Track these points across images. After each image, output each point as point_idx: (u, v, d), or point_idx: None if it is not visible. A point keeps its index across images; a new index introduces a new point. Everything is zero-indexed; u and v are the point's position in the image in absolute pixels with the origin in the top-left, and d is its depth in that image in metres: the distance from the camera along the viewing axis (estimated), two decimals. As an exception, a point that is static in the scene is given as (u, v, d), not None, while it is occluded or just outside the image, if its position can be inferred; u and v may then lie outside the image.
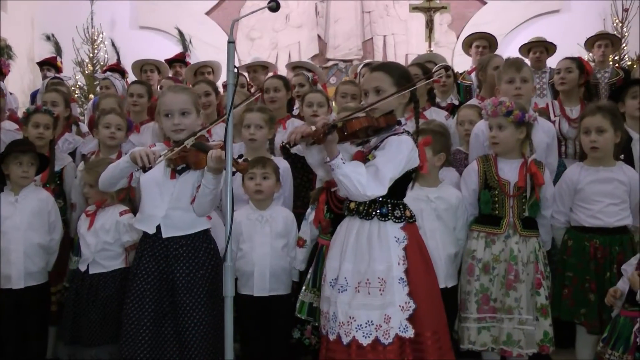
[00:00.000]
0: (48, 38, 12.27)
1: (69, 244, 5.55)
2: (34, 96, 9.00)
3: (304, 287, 4.79)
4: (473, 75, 7.78)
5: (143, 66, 8.96)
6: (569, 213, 5.08)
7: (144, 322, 4.11)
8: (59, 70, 9.72)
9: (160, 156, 4.03)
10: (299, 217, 5.16)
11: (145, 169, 4.00)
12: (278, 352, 4.94)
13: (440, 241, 4.88)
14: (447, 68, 7.34)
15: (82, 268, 5.01)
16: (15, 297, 5.08)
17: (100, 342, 4.85)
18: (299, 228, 5.07)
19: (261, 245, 4.92)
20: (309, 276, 4.80)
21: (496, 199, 4.90)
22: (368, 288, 3.83)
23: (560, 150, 6.08)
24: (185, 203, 4.23)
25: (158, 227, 4.20)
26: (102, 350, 4.87)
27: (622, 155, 5.18)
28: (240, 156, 3.82)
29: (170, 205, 4.20)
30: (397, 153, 3.81)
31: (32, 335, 5.16)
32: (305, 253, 4.96)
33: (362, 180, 3.72)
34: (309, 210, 4.98)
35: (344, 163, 3.74)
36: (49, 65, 9.79)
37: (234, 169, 3.70)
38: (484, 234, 4.91)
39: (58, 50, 12.09)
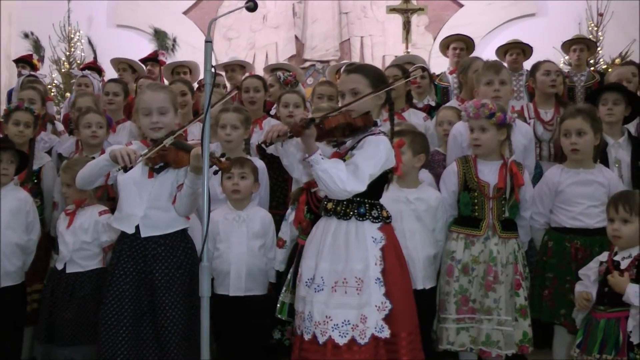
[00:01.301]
0: (26, 35, 12.20)
1: (49, 243, 5.51)
2: (10, 94, 8.94)
3: (284, 288, 4.75)
4: (450, 76, 7.81)
5: (118, 64, 8.92)
6: (548, 214, 5.10)
7: (123, 323, 4.10)
8: (34, 68, 9.65)
9: (140, 155, 4.00)
10: (274, 217, 5.15)
11: (126, 169, 3.96)
12: (254, 353, 4.93)
13: (419, 242, 4.87)
14: (424, 69, 7.36)
15: (60, 267, 4.97)
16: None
17: (74, 342, 4.80)
18: (275, 228, 5.06)
19: (238, 245, 4.91)
20: (289, 277, 4.76)
21: (476, 200, 4.91)
22: (345, 287, 3.84)
23: (534, 152, 6.09)
24: (163, 202, 4.22)
25: (137, 227, 4.18)
26: (76, 350, 4.82)
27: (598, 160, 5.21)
28: (223, 155, 3.82)
29: (148, 205, 4.20)
30: (376, 151, 3.83)
31: (6, 336, 5.08)
32: (285, 253, 4.94)
33: (342, 175, 3.73)
34: (289, 210, 4.96)
35: (322, 159, 3.75)
36: (24, 62, 9.71)
37: (217, 168, 3.69)
38: (463, 236, 4.92)
39: (37, 47, 12.05)
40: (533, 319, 4.92)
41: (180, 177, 4.21)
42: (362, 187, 3.78)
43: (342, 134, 3.90)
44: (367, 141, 3.87)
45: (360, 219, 3.91)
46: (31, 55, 10.64)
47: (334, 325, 3.80)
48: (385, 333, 3.79)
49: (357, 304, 3.81)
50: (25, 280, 5.25)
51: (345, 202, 3.93)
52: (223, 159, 3.77)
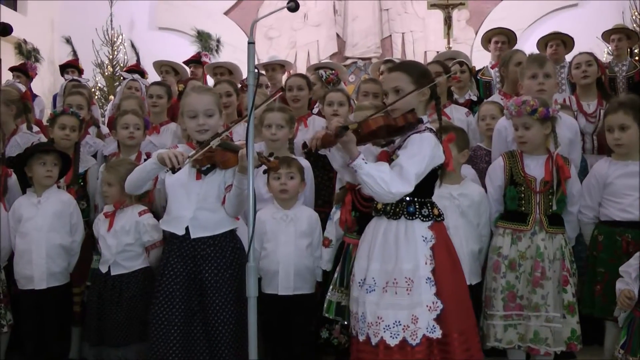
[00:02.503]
0: (67, 41, 12.34)
1: (92, 245, 5.53)
2: (55, 98, 9.05)
3: (330, 287, 4.76)
4: (492, 70, 7.75)
5: (161, 67, 9.00)
6: (597, 208, 5.03)
7: (174, 322, 4.14)
8: (81, 72, 9.75)
9: (187, 157, 4.04)
10: (320, 215, 5.16)
11: (174, 170, 4.00)
12: (301, 351, 4.94)
13: (464, 238, 4.86)
14: (462, 63, 7.32)
15: (103, 269, 4.99)
16: (36, 298, 5.11)
17: (126, 342, 4.84)
18: (321, 227, 5.07)
19: (285, 245, 4.93)
20: (335, 275, 4.77)
21: (522, 195, 4.88)
22: (395, 288, 3.80)
23: (580, 146, 6.03)
24: (211, 203, 4.26)
25: (186, 228, 4.22)
26: (129, 350, 4.86)
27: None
28: (271, 154, 3.86)
29: (197, 206, 4.23)
30: (420, 149, 3.78)
31: (53, 336, 5.17)
32: (332, 253, 4.94)
33: (386, 178, 3.70)
34: (333, 210, 4.96)
35: (366, 163, 3.72)
36: (72, 67, 9.81)
37: (266, 167, 3.71)
38: (510, 231, 4.89)
39: (74, 52, 12.16)
40: (581, 316, 4.86)
41: (228, 178, 4.24)
42: (409, 188, 3.75)
43: (386, 134, 3.87)
44: (410, 140, 3.84)
45: (410, 217, 3.87)
46: (77, 60, 10.75)
47: (386, 326, 3.77)
48: (437, 333, 3.75)
49: (407, 305, 3.77)
50: (71, 281, 5.33)
51: (394, 201, 3.89)
52: (272, 159, 3.79)
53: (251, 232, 3.37)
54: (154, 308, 4.21)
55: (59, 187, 5.41)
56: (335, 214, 4.89)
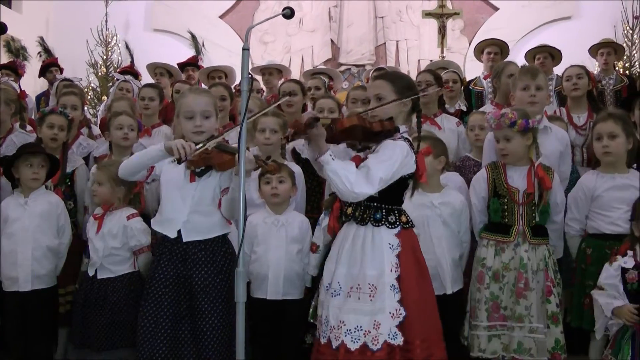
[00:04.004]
0: (42, 41, 12.14)
1: (80, 246, 5.52)
2: (39, 99, 9.06)
3: (316, 293, 4.74)
4: (485, 81, 7.79)
5: (155, 69, 9.00)
6: (584, 221, 5.08)
7: (162, 325, 4.14)
8: (61, 71, 9.68)
9: (195, 149, 4.02)
10: (309, 221, 5.17)
11: (180, 161, 4.00)
12: (289, 356, 4.95)
13: (446, 248, 4.92)
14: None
15: (91, 272, 4.99)
16: (21, 300, 5.07)
17: (109, 346, 4.83)
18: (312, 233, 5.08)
19: (276, 249, 4.94)
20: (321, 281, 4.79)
21: (506, 207, 4.91)
22: (359, 293, 3.86)
23: (570, 158, 6.07)
24: (206, 207, 4.26)
25: (179, 231, 4.23)
26: (112, 354, 4.86)
27: (635, 165, 5.17)
28: (268, 157, 3.88)
29: (191, 209, 4.23)
30: (391, 155, 3.84)
31: (38, 338, 5.13)
32: (319, 258, 4.93)
33: (351, 177, 3.75)
34: (322, 216, 4.97)
35: (333, 159, 3.76)
36: (54, 66, 9.77)
37: (264, 170, 3.73)
38: (493, 242, 4.92)
39: (47, 51, 12.02)
40: (567, 325, 4.90)
41: (224, 181, 4.24)
42: (371, 190, 3.80)
43: (360, 137, 3.93)
44: (383, 145, 3.90)
45: (376, 224, 3.93)
46: (56, 58, 10.65)
47: (347, 330, 3.83)
48: (399, 340, 3.80)
49: (370, 310, 3.83)
50: (59, 282, 5.31)
51: (362, 207, 3.97)
52: (269, 162, 3.81)
53: (241, 237, 3.38)
54: (142, 310, 4.21)
55: (46, 187, 5.37)
56: (324, 220, 4.88)
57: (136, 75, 9.17)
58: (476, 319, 4.87)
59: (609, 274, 4.53)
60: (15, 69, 9.00)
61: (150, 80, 8.70)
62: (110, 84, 10.90)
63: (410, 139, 4.04)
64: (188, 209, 4.23)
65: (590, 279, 4.90)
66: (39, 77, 9.90)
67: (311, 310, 4.73)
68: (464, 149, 6.22)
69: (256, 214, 5.01)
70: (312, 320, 4.73)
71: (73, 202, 5.74)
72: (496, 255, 4.88)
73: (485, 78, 7.86)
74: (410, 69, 12.07)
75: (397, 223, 3.96)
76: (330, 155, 3.76)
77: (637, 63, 11.24)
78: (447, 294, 4.83)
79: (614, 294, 4.46)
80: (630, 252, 4.54)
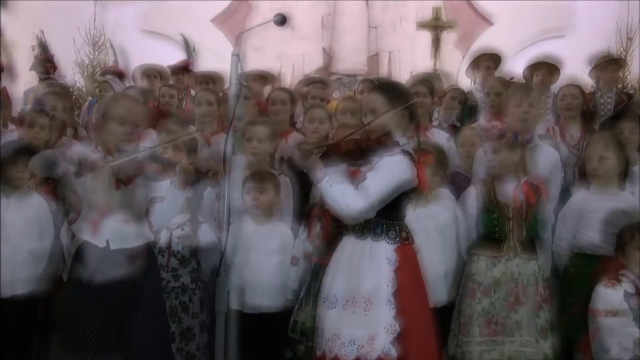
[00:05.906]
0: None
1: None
2: (27, 94, 8.94)
3: (296, 307, 4.72)
4: (478, 95, 7.74)
5: (146, 71, 8.89)
6: (571, 240, 5.12)
7: (88, 332, 4.03)
8: (55, 68, 9.59)
9: (102, 165, 3.90)
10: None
11: (77, 175, 3.85)
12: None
13: (429, 261, 4.82)
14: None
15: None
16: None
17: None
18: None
19: (255, 261, 4.85)
20: (302, 295, 4.73)
21: (496, 222, 4.92)
22: (354, 307, 3.85)
23: (560, 178, 6.04)
24: (132, 214, 4.16)
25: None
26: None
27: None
28: (209, 170, 3.91)
29: (118, 217, 4.12)
30: (388, 174, 3.83)
31: (16, 343, 5.03)
32: (299, 271, 4.87)
33: (349, 202, 3.79)
34: (302, 228, 4.92)
35: (331, 186, 3.78)
36: (49, 62, 9.67)
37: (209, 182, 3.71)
38: (484, 257, 4.92)
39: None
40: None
41: (152, 190, 4.20)
42: (371, 213, 3.84)
43: (359, 157, 3.91)
44: (381, 162, 3.87)
45: (376, 239, 3.92)
46: (53, 55, 10.59)
47: (341, 343, 3.82)
48: (393, 355, 3.78)
49: (364, 324, 3.81)
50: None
51: (363, 221, 3.93)
52: (209, 174, 3.86)
53: (224, 246, 3.34)
54: (67, 319, 4.12)
55: (28, 186, 5.26)
56: (304, 232, 4.85)
57: (121, 76, 9.08)
58: (467, 335, 4.87)
59: (616, 298, 4.52)
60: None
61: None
62: (96, 84, 10.79)
63: (411, 150, 4.00)
64: (115, 217, 4.12)
65: (570, 297, 5.00)
66: (30, 70, 9.77)
67: (291, 324, 4.68)
68: (453, 164, 6.17)
69: (237, 223, 4.86)
70: (292, 335, 4.68)
71: (56, 204, 5.58)
72: (487, 270, 4.89)
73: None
74: (402, 80, 12.03)
75: (397, 238, 3.95)
76: (328, 182, 3.79)
77: (629, 85, 11.23)
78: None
79: (624, 322, 4.48)
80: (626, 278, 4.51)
